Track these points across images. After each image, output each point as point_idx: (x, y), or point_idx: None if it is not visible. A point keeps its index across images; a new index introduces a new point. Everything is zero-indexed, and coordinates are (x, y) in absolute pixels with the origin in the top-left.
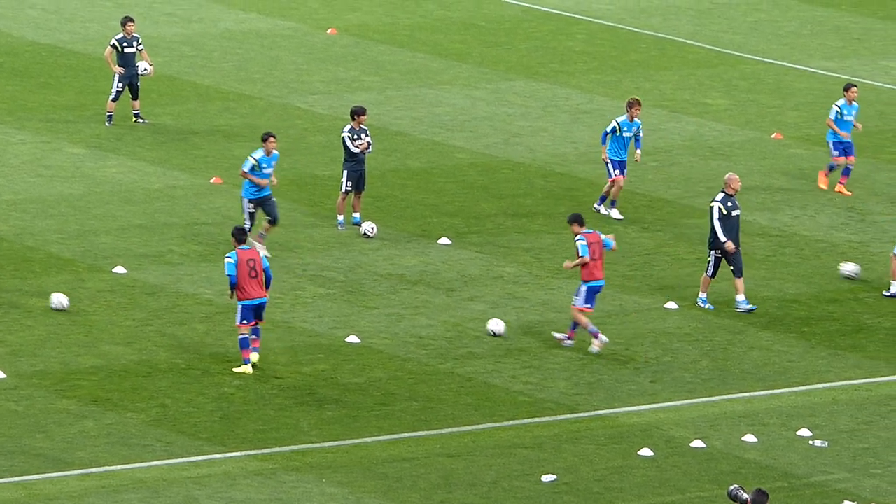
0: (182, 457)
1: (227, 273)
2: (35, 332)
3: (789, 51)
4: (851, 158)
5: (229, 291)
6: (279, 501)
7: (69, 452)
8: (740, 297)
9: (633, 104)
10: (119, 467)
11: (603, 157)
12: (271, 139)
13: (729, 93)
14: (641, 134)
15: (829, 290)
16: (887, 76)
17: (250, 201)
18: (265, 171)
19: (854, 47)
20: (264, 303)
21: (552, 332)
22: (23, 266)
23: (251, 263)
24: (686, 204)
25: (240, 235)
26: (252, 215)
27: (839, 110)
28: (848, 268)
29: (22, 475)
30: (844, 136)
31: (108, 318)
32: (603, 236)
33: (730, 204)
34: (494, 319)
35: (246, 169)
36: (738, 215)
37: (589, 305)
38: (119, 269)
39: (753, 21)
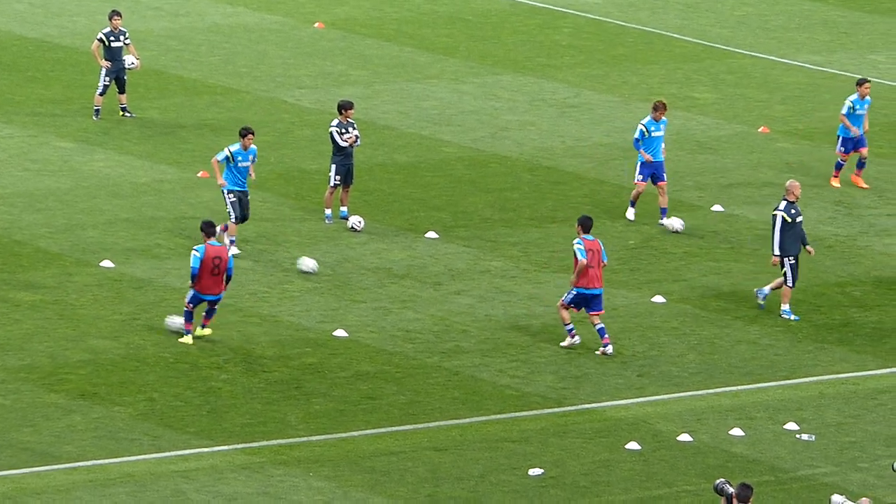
0: (170, 450)
1: (191, 265)
2: (23, 326)
3: (777, 45)
4: (864, 150)
5: (190, 282)
6: (267, 495)
7: (57, 446)
8: (785, 307)
9: (658, 107)
10: (107, 461)
11: (647, 157)
12: (249, 136)
13: (716, 87)
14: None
15: (816, 284)
16: (875, 70)
17: (231, 192)
18: (241, 164)
19: (842, 41)
20: (218, 299)
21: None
22: (10, 260)
23: (216, 261)
24: (673, 198)
25: (209, 230)
26: (234, 205)
27: (851, 105)
28: (675, 224)
29: (9, 469)
30: (855, 131)
31: (96, 312)
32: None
33: (793, 211)
34: (304, 259)
35: (218, 158)
36: (800, 222)
37: (573, 306)
38: (106, 263)
39: (741, 15)
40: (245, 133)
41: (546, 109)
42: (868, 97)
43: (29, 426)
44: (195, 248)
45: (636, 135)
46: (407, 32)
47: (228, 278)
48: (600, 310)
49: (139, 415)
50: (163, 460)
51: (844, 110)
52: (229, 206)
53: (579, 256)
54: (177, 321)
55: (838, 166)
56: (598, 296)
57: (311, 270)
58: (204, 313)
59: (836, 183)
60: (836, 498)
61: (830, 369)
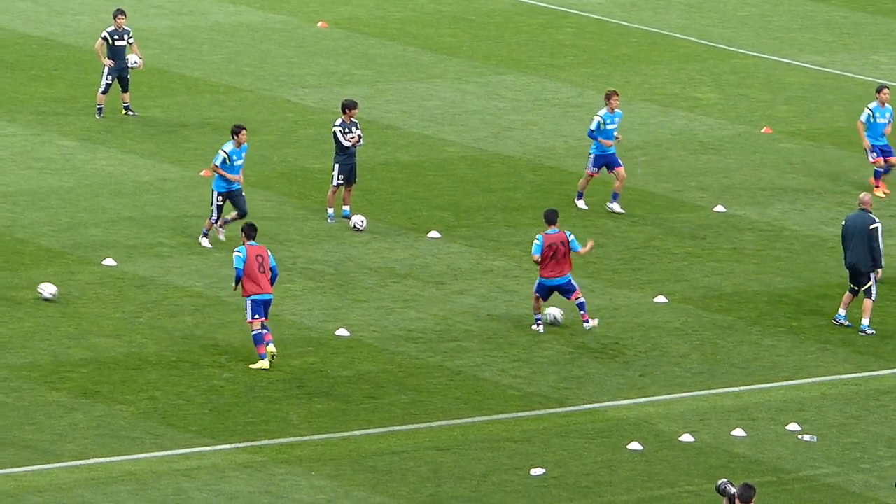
0: (171, 449)
1: (234, 266)
2: (25, 325)
3: (779, 45)
4: (892, 159)
5: (234, 285)
6: (268, 494)
7: (58, 444)
8: (865, 321)
9: (610, 95)
10: (108, 459)
11: (611, 142)
12: (243, 132)
13: (719, 87)
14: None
15: (818, 285)
16: (877, 70)
17: (220, 194)
18: (236, 163)
19: (844, 42)
20: (271, 299)
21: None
22: (13, 258)
23: (259, 259)
24: (676, 198)
25: (249, 231)
26: (220, 208)
27: (871, 113)
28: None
29: (11, 467)
30: (866, 145)
31: (98, 311)
32: (571, 237)
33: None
34: (553, 308)
35: (217, 163)
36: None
37: (538, 294)
38: (109, 262)
39: (744, 15)
40: (238, 130)
41: (549, 109)
42: (888, 104)
43: (31, 424)
44: (236, 249)
45: (592, 126)
46: (410, 32)
47: (274, 277)
48: (574, 290)
49: (141, 413)
50: (164, 459)
51: (863, 118)
52: (214, 207)
53: (534, 251)
54: (49, 289)
55: (877, 174)
56: (565, 283)
57: (50, 296)
58: (263, 330)
59: (880, 192)
60: None
61: (833, 370)
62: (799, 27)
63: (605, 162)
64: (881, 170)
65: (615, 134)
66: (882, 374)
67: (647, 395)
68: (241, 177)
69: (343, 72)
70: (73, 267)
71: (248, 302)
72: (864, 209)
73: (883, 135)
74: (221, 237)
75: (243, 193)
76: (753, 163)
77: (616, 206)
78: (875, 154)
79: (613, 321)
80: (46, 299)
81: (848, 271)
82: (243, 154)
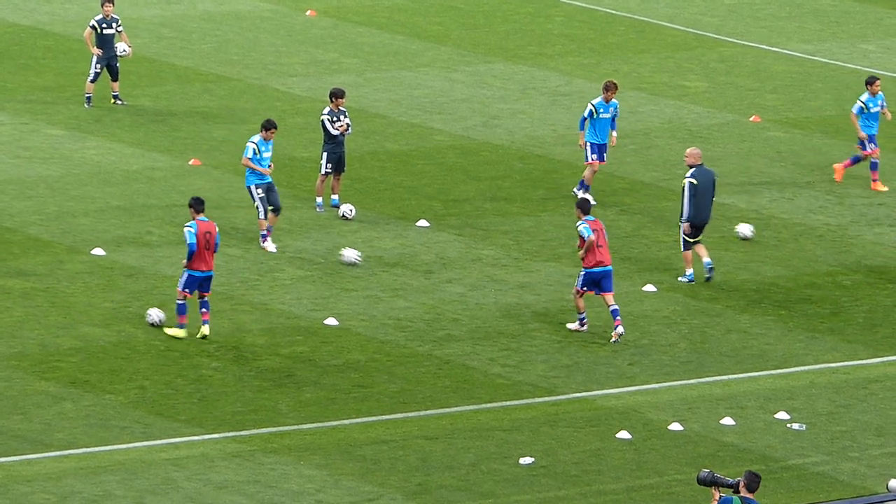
0: (160, 438)
1: (187, 241)
2: (13, 314)
3: (767, 33)
4: (870, 153)
5: (185, 260)
6: (257, 483)
7: (47, 434)
8: (707, 259)
9: (609, 87)
10: (97, 449)
11: (580, 142)
12: (273, 130)
13: (707, 75)
14: (618, 114)
15: (806, 273)
16: (866, 59)
17: (257, 187)
18: (265, 154)
19: (832, 30)
20: (211, 276)
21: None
22: (1, 248)
23: (207, 236)
24: (664, 187)
25: (198, 206)
26: (263, 200)
27: (863, 105)
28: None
29: (0, 456)
30: (862, 136)
31: (87, 300)
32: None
33: None
34: (347, 251)
35: (248, 156)
36: None
37: (586, 289)
38: (98, 251)
39: (732, 4)
40: (269, 126)
41: (537, 98)
42: (880, 93)
43: (20, 414)
44: (187, 224)
45: (584, 113)
46: (399, 20)
47: (214, 252)
48: (611, 289)
49: (130, 403)
50: (153, 448)
51: (855, 110)
52: (258, 201)
53: (585, 234)
54: (156, 314)
55: (874, 166)
56: (609, 273)
57: (353, 261)
58: (200, 306)
59: (881, 187)
60: (893, 483)
61: (821, 359)
62: (787, 15)
63: (601, 150)
64: (876, 162)
65: (612, 134)
66: (871, 363)
67: (636, 383)
68: (272, 165)
69: (331, 60)
70: (62, 256)
71: (186, 274)
72: (699, 164)
73: (875, 124)
74: (273, 249)
75: (275, 187)
76: (742, 151)
77: (580, 193)
78: (873, 146)
79: (602, 310)
80: (351, 263)
81: (693, 228)
82: (270, 147)
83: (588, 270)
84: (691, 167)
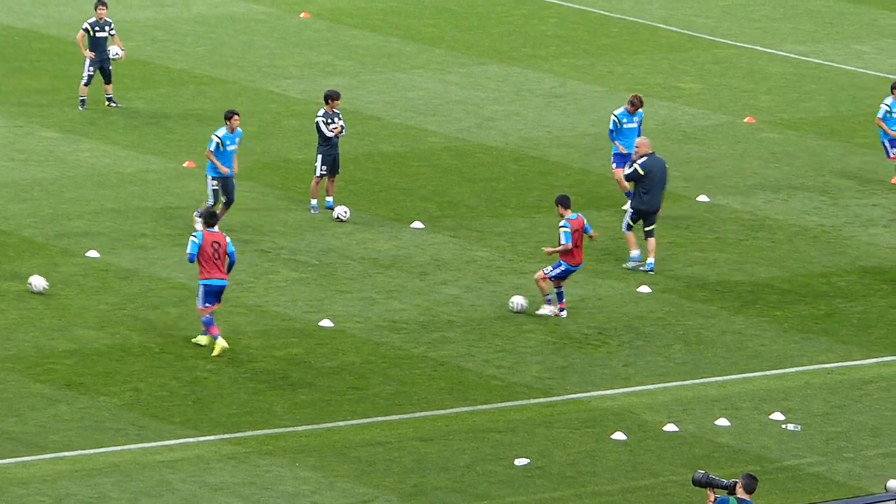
0: (155, 441)
1: (188, 251)
2: (8, 316)
3: (762, 35)
4: None
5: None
6: (252, 485)
7: (42, 436)
8: (652, 260)
9: (634, 102)
10: (92, 451)
11: (621, 151)
12: (235, 117)
13: (701, 77)
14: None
15: (801, 275)
16: (860, 60)
17: (214, 179)
18: (229, 148)
19: (827, 31)
20: (224, 285)
21: (540, 312)
22: None
23: (215, 246)
24: None
25: (209, 219)
26: (216, 192)
27: (888, 109)
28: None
29: None
30: (894, 135)
31: (82, 302)
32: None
33: None
34: (517, 297)
35: (211, 149)
36: None
37: (552, 279)
38: (92, 253)
39: (726, 5)
40: (230, 115)
41: (532, 99)
42: None
43: (14, 416)
44: (193, 234)
45: (610, 126)
46: (393, 22)
47: (231, 265)
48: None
49: (125, 405)
50: (148, 450)
51: (880, 114)
52: (210, 192)
53: (564, 240)
54: (518, 302)
55: None
56: (576, 272)
57: (41, 290)
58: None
59: None
60: (892, 483)
61: (816, 359)
62: (781, 17)
63: (625, 161)
64: None
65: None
66: (865, 364)
67: (631, 384)
68: (237, 163)
69: (326, 62)
70: (57, 258)
71: (201, 287)
72: (651, 153)
73: None
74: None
75: (233, 181)
76: (736, 153)
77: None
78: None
79: (597, 311)
80: (37, 292)
81: (643, 215)
82: (237, 140)
83: (567, 266)
84: (642, 156)
